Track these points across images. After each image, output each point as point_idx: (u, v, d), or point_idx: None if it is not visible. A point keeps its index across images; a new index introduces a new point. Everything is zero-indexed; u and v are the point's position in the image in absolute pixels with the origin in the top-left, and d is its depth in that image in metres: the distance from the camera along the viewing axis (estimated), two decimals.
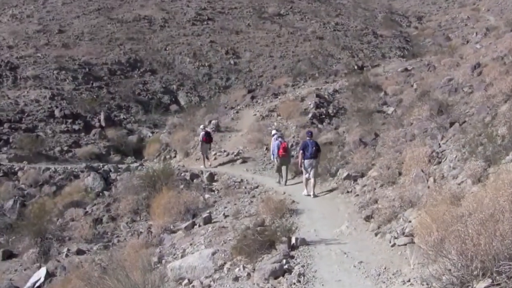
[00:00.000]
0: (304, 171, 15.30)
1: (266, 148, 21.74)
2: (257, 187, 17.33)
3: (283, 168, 17.56)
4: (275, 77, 41.25)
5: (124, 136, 30.40)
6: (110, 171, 22.39)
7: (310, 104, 27.09)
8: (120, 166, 23.82)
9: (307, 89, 31.07)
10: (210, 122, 27.27)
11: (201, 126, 23.74)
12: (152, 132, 32.22)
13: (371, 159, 14.85)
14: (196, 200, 15.54)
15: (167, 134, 28.82)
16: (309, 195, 15.00)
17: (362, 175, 14.30)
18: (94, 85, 37.31)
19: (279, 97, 30.91)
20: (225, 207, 15.01)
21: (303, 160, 15.06)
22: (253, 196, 15.85)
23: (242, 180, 18.49)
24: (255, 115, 27.50)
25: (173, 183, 17.02)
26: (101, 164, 24.07)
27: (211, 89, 41.36)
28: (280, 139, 17.84)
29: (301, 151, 15.18)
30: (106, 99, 36.04)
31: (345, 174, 14.92)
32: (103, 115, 32.16)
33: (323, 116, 26.06)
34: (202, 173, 20.14)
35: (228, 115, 28.88)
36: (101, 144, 28.71)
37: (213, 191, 17.67)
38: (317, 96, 28.09)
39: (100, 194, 19.78)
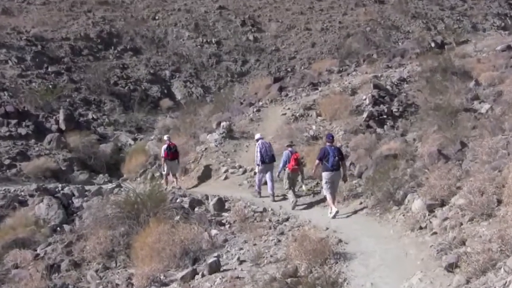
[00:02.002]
0: (325, 187, 17.45)
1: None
2: (287, 219, 17.32)
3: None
4: (314, 60, 41.41)
5: (93, 144, 30.64)
6: (73, 195, 22.55)
7: (365, 99, 27.00)
8: (87, 188, 23.99)
9: (361, 77, 31.00)
10: (219, 124, 27.41)
11: (165, 137, 25.14)
12: (135, 139, 32.49)
13: (455, 180, 14.71)
14: (199, 238, 15.57)
15: (156, 142, 28.99)
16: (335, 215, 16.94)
17: (442, 204, 14.17)
18: (49, 70, 37.77)
19: (319, 88, 30.91)
20: (241, 249, 15.03)
21: (321, 173, 17.37)
22: (282, 233, 15.84)
23: (265, 210, 18.51)
24: (285, 114, 27.57)
25: (165, 213, 17.07)
26: (59, 185, 24.27)
27: (220, 76, 41.68)
28: (290, 148, 20.00)
29: (318, 161, 17.39)
30: (67, 90, 36.43)
31: (416, 202, 14.82)
32: (63, 114, 32.41)
33: (384, 117, 25.93)
34: (207, 198, 20.21)
35: (245, 115, 29.01)
36: (60, 156, 28.97)
37: (223, 224, 17.69)
38: (376, 87, 28.00)
39: (58, 228, 19.87)
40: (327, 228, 15.55)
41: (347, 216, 17.00)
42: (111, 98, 37.12)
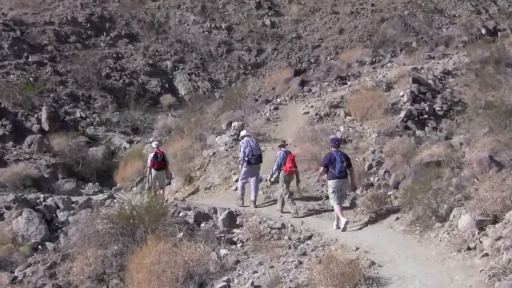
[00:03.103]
0: (331, 196, 18.19)
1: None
2: (309, 237, 17.28)
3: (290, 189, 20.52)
4: (342, 49, 41.42)
5: (81, 147, 30.75)
6: (57, 207, 22.66)
7: (403, 96, 26.98)
8: (74, 199, 24.07)
9: (398, 70, 31.01)
10: (229, 124, 27.44)
11: (154, 144, 25.75)
12: (130, 142, 32.58)
13: (510, 193, 14.64)
14: (205, 258, 15.57)
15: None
16: (339, 227, 17.80)
17: (495, 220, 14.12)
18: (30, 59, 37.92)
19: (348, 82, 30.91)
20: (255, 272, 15.02)
21: (328, 180, 18.19)
22: (303, 254, 15.81)
23: (283, 226, 18.46)
24: (307, 113, 27.62)
25: (166, 230, 17.09)
26: (41, 196, 24.36)
27: (231, 68, 41.77)
28: (284, 149, 20.85)
29: (323, 168, 18.18)
30: (51, 84, 36.57)
31: (464, 218, 14.76)
32: (46, 112, 32.50)
33: (425, 116, 25.91)
34: (215, 212, 20.22)
35: (260, 113, 29.06)
36: (42, 161, 29.08)
37: (235, 243, 17.69)
38: (415, 81, 27.98)
39: (40, 247, 19.96)
40: (358, 248, 15.50)
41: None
42: (102, 94, 37.28)
